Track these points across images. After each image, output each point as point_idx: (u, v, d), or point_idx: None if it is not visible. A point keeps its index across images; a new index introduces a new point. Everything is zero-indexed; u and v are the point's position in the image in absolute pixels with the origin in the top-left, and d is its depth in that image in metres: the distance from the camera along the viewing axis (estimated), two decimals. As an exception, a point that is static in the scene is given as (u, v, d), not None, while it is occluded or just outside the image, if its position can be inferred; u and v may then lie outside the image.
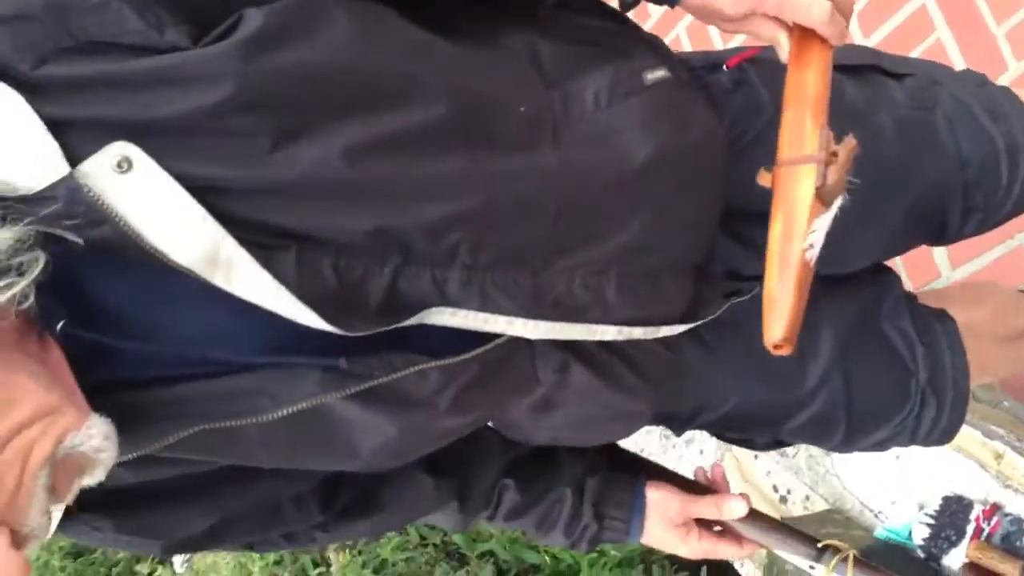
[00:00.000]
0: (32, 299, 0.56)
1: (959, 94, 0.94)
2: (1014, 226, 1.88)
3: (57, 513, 0.61)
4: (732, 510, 0.96)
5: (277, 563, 2.05)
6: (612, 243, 0.72)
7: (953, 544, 1.55)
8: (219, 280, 0.58)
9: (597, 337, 0.74)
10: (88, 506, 0.67)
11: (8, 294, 0.54)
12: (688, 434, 2.44)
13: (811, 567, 0.90)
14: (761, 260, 0.88)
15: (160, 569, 2.53)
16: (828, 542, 0.96)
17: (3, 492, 0.54)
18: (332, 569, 1.92)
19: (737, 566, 2.12)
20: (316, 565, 2.03)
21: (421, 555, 2.17)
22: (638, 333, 0.77)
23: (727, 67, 0.88)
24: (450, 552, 2.34)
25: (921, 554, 1.59)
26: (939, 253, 1.95)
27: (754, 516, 0.95)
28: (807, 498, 1.92)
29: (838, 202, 0.68)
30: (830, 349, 0.95)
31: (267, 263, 0.59)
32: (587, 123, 0.71)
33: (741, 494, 0.97)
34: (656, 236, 0.75)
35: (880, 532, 1.68)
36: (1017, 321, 1.16)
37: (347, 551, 1.95)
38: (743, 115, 0.85)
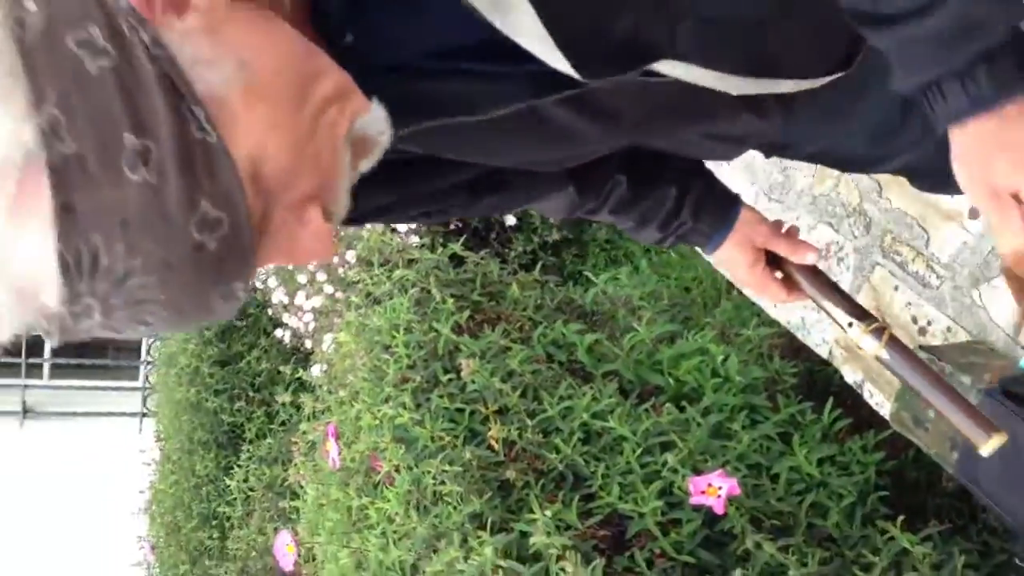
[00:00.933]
0: None
1: None
2: None
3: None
4: (806, 255, 1.01)
5: (410, 367, 2.14)
6: None
7: (1106, 378, 1.48)
8: (497, 21, 0.64)
9: (780, 90, 0.82)
10: None
11: None
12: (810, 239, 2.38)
13: (849, 324, 0.93)
14: None
15: (302, 371, 2.68)
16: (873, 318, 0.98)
17: (322, 162, 0.58)
18: (462, 374, 1.99)
19: (867, 396, 2.10)
20: (447, 372, 2.11)
21: (548, 369, 2.23)
22: (806, 85, 0.83)
23: None
24: (575, 370, 2.39)
25: (1069, 386, 1.52)
26: None
27: (816, 272, 1.02)
28: (948, 329, 1.85)
29: None
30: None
31: None
32: None
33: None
34: None
35: (1025, 363, 1.62)
36: None
37: (476, 359, 2.01)
38: None
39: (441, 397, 2.02)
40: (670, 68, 0.73)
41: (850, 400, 2.34)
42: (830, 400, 2.26)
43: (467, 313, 2.27)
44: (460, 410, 2.01)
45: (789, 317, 2.43)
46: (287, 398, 2.66)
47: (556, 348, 2.42)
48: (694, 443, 1.95)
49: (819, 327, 2.30)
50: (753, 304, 2.90)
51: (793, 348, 2.73)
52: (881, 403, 2.02)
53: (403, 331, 2.18)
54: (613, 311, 2.75)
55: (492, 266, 2.72)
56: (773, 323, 2.60)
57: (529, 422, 1.96)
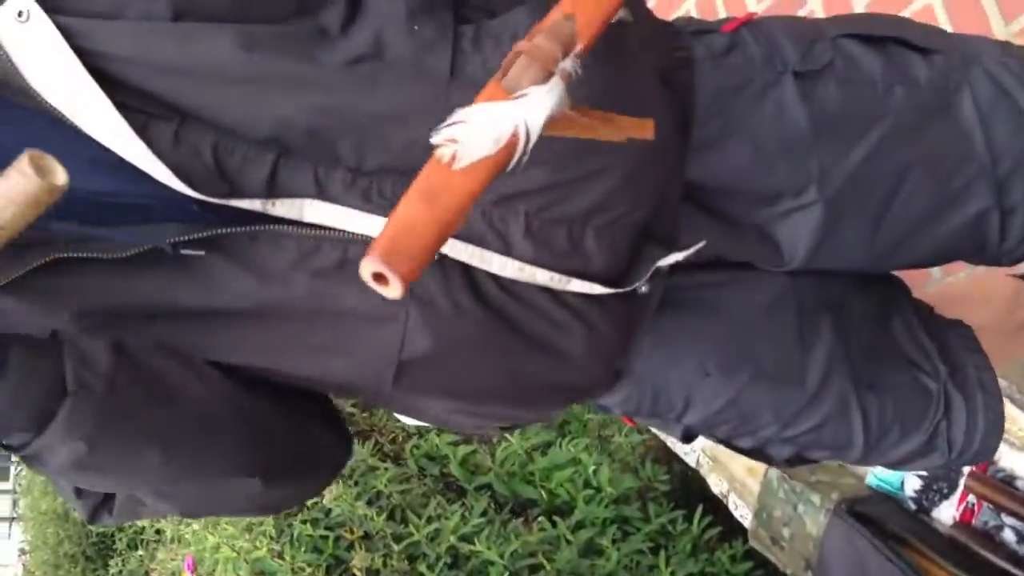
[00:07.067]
0: None
1: (1000, 77, 0.84)
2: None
3: None
4: None
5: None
6: (519, 179, 0.66)
7: (945, 497, 1.53)
8: (81, 122, 0.65)
9: (494, 269, 0.72)
10: None
11: None
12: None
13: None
14: (741, 237, 0.85)
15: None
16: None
17: None
18: (324, 501, 1.93)
19: (732, 507, 2.12)
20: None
21: (419, 487, 2.19)
22: (542, 277, 0.73)
23: (723, 30, 0.84)
24: (448, 484, 2.36)
25: (912, 506, 1.57)
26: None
27: None
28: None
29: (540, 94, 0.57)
30: (831, 339, 0.90)
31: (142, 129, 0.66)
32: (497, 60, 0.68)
33: None
34: (574, 185, 0.71)
35: (871, 480, 1.66)
36: (1021, 311, 1.13)
37: (340, 483, 1.96)
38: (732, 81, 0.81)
39: (304, 523, 1.95)
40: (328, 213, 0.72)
41: (723, 504, 2.37)
42: (699, 508, 2.28)
43: (335, 431, 2.22)
44: (324, 537, 1.95)
45: (659, 424, 2.46)
46: (146, 523, 2.53)
47: (429, 461, 2.39)
48: (563, 563, 1.94)
49: (687, 435, 2.33)
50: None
51: (668, 450, 2.77)
52: (745, 515, 2.04)
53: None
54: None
55: (366, 375, 2.68)
56: (643, 430, 2.63)
57: (395, 547, 1.92)
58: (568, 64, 0.58)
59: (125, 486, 0.75)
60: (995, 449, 0.98)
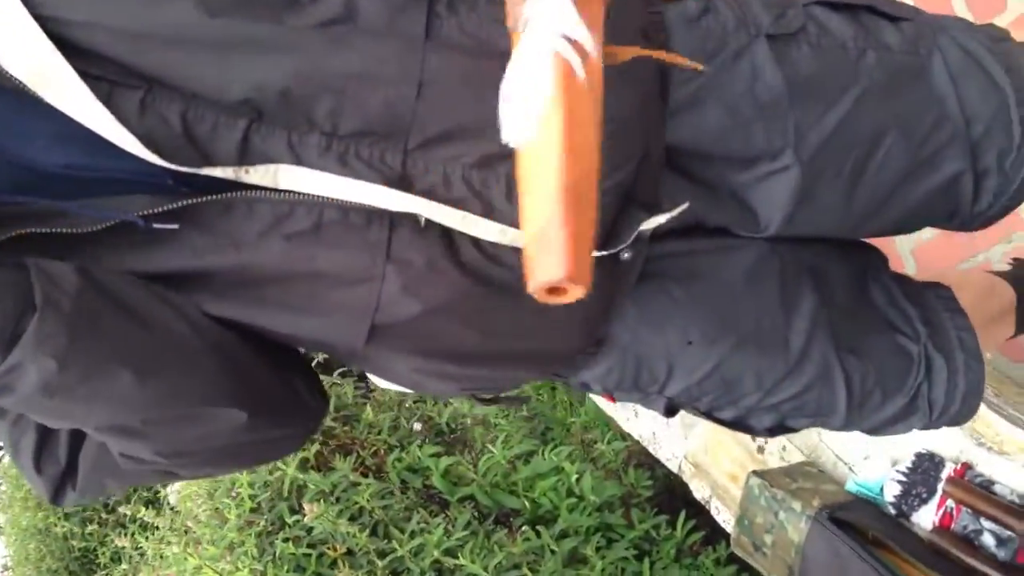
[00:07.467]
0: None
1: (968, 45, 0.87)
2: (980, 241, 1.84)
3: None
4: None
5: (254, 510, 2.06)
6: (499, 141, 0.62)
7: (924, 502, 1.54)
8: (45, 94, 0.62)
9: (475, 232, 0.71)
10: None
11: None
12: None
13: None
14: (719, 201, 0.85)
15: (143, 510, 2.54)
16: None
17: None
18: (306, 519, 1.92)
19: (714, 512, 2.13)
20: (293, 512, 2.04)
21: (401, 501, 2.18)
22: None
23: None
24: (431, 496, 2.35)
25: (892, 511, 1.58)
26: (909, 265, 1.92)
27: None
28: (784, 448, 1.91)
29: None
30: (813, 303, 0.91)
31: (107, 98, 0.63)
32: (473, 23, 0.69)
33: None
34: None
35: (851, 486, 1.67)
36: (994, 303, 1.13)
37: (321, 501, 1.95)
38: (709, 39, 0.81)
39: (286, 541, 1.94)
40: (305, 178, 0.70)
41: (705, 508, 2.38)
42: (683, 514, 2.29)
43: (316, 447, 2.20)
44: (307, 555, 1.94)
45: (641, 431, 2.46)
46: (127, 542, 2.51)
47: (411, 474, 2.38)
48: (548, 573, 1.94)
49: (669, 441, 2.33)
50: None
51: (650, 456, 2.77)
52: (728, 520, 2.05)
53: (247, 471, 2.11)
54: (471, 428, 2.73)
55: (347, 388, 2.67)
56: (627, 436, 2.63)
57: (379, 563, 1.91)
58: None
59: (96, 415, 0.71)
60: (976, 409, 1.00)
